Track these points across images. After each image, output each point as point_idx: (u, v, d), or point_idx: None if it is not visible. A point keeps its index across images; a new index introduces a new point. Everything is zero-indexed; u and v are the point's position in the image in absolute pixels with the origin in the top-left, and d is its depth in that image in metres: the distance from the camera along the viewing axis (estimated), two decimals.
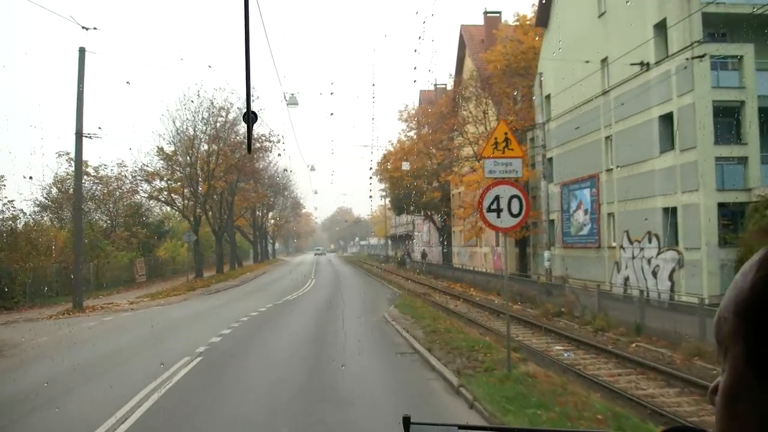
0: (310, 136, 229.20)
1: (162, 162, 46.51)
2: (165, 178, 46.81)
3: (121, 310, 28.06)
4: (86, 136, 28.30)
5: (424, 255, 67.35)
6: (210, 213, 56.44)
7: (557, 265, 33.83)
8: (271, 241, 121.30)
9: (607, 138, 28.40)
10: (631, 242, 26.08)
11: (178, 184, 47.27)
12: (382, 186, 71.58)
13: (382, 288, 38.67)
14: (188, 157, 46.24)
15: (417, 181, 60.00)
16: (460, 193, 55.51)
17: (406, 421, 1.88)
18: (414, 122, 64.39)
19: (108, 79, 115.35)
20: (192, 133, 45.77)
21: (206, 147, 47.79)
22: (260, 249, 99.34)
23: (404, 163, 48.70)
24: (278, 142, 48.20)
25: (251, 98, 3.64)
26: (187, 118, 45.49)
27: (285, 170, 75.32)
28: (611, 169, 27.91)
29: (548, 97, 34.88)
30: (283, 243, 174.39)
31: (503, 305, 27.60)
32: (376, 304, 27.80)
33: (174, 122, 45.44)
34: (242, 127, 50.02)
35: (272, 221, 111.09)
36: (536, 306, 25.49)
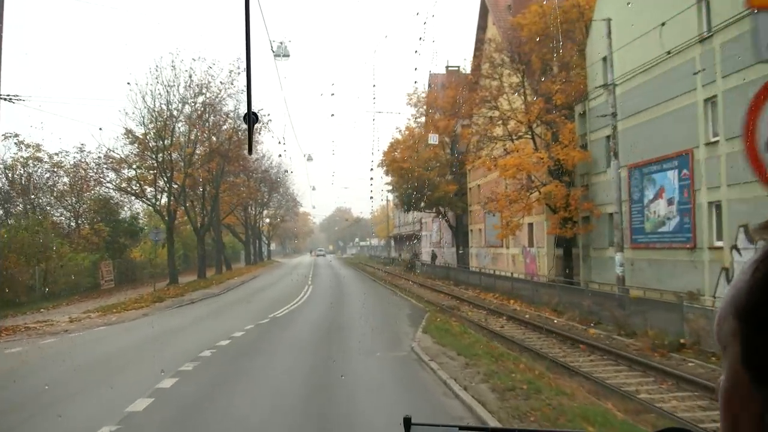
0: (310, 136, 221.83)
1: (131, 146, 39.11)
2: (134, 166, 39.40)
3: (51, 333, 20.73)
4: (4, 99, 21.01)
5: (433, 257, 60.16)
6: (192, 208, 49.09)
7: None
8: (266, 241, 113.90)
9: (707, 100, 20.99)
10: (753, 242, 18.75)
11: (151, 173, 39.85)
12: (388, 180, 64.29)
13: (396, 299, 31.24)
14: (161, 141, 38.87)
15: (429, 173, 52.73)
16: (479, 186, 48.21)
17: (407, 422, 1.88)
18: (424, 107, 57.07)
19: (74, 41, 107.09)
20: (165, 110, 38.42)
21: (183, 129, 40.49)
22: (254, 250, 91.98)
23: (431, 136, 40.76)
24: (268, 122, 40.80)
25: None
26: (159, 93, 38.14)
27: (286, 171, 68.39)
28: (714, 143, 20.53)
29: (605, 59, 27.50)
30: (280, 244, 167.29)
31: (569, 326, 20.54)
32: (396, 325, 20.47)
33: (144, 98, 38.10)
34: (229, 109, 42.81)
35: (267, 220, 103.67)
36: (624, 329, 18.15)
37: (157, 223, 67.07)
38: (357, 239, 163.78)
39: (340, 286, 41.33)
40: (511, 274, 36.40)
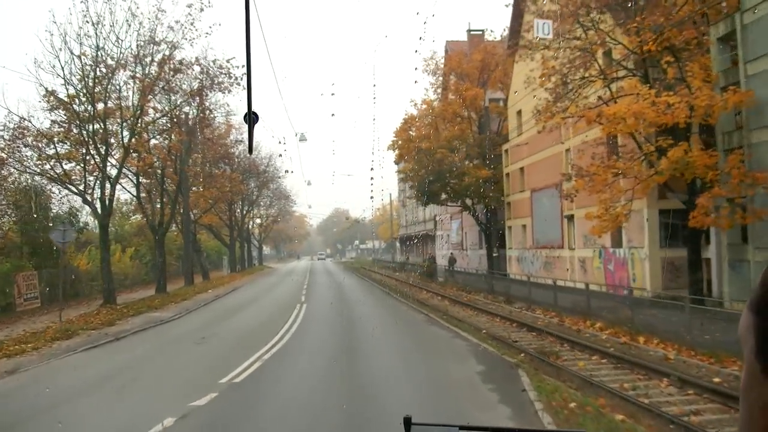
0: (309, 136, 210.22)
1: (52, 112, 27.94)
2: (55, 139, 28.20)
3: None
4: None
5: (451, 260, 49.04)
6: (151, 201, 37.95)
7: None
8: (256, 245, 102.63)
9: None
10: None
11: (81, 150, 28.68)
12: (394, 171, 53.08)
13: (440, 333, 19.85)
14: (92, 105, 27.71)
15: (454, 155, 41.69)
16: (522, 169, 37.18)
17: (407, 422, 1.87)
18: (440, 76, 46.05)
19: None
20: (95, 57, 27.23)
21: (128, 87, 29.35)
22: (245, 255, 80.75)
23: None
24: (240, 78, 29.65)
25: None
26: (88, 34, 26.96)
27: (286, 171, 58.06)
28: None
29: None
30: (273, 247, 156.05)
31: None
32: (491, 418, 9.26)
33: (65, 42, 26.91)
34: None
35: (258, 221, 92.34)
36: None
37: (121, 221, 56.38)
38: (356, 242, 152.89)
39: (345, 304, 30.16)
40: (586, 286, 25.33)
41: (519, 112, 36.96)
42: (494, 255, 40.94)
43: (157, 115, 31.78)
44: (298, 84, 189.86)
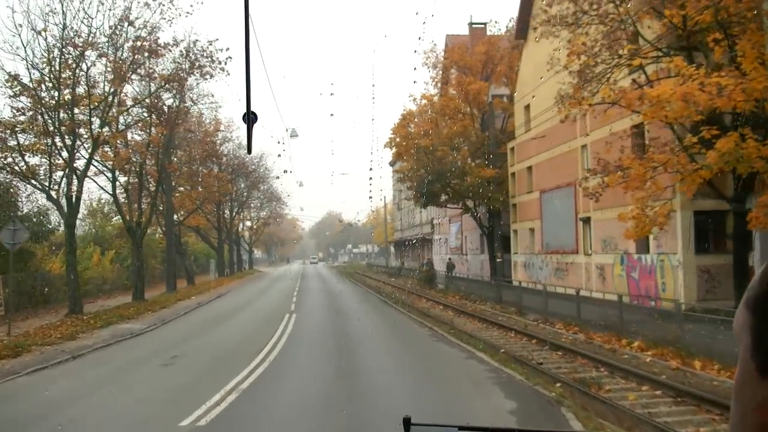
0: (304, 137, 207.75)
1: (14, 99, 25.12)
2: (18, 128, 25.34)
3: None
4: None
5: (450, 266, 46.43)
6: (132, 201, 35.13)
7: None
8: (247, 248, 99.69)
9: None
10: None
11: (45, 141, 25.86)
12: (395, 167, 50.30)
13: (455, 355, 16.92)
14: (56, 92, 24.91)
15: (455, 154, 39.04)
16: (530, 168, 34.57)
17: (407, 422, 1.93)
18: (441, 70, 43.40)
19: None
20: (61, 36, 24.41)
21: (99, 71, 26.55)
22: (234, 258, 77.87)
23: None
24: (226, 61, 26.92)
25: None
26: (54, 11, 24.16)
27: (285, 171, 55.56)
28: None
29: None
30: (265, 251, 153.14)
31: None
32: None
33: (28, 20, 24.10)
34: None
35: (248, 223, 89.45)
36: None
37: (102, 223, 53.35)
38: (349, 246, 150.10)
39: (338, 314, 27.40)
40: (619, 298, 22.63)
41: (527, 107, 34.30)
42: (498, 260, 38.20)
43: (130, 103, 28.86)
44: (295, 83, 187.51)
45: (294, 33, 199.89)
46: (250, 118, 3.76)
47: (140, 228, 32.95)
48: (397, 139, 41.40)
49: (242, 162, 59.15)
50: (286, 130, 43.39)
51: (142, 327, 22.83)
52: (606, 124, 22.24)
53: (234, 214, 73.49)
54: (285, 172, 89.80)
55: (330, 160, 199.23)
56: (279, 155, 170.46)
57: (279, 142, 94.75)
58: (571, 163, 29.21)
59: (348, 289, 45.88)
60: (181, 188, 49.56)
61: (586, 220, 27.97)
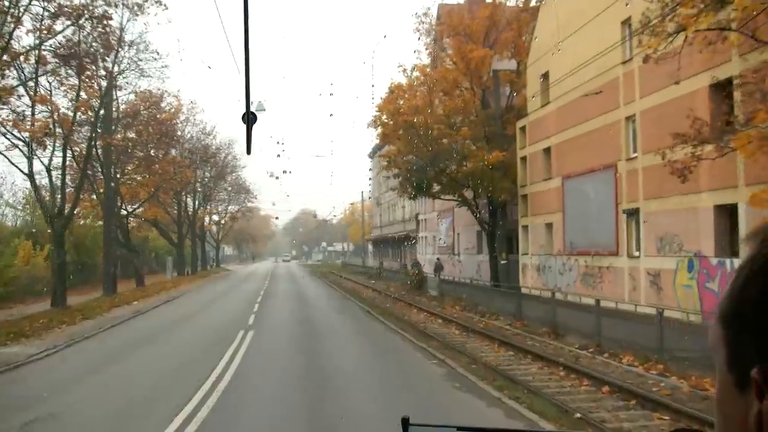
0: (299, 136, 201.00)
1: None
2: None
3: None
4: None
5: (438, 267, 40.24)
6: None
7: None
8: (214, 245, 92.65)
9: None
10: None
11: None
12: (381, 152, 43.72)
13: None
14: None
15: (454, 134, 32.78)
16: (547, 150, 28.46)
17: (405, 422, 1.85)
18: (434, 37, 36.92)
19: None
20: None
21: None
22: (199, 255, 70.97)
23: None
24: None
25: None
26: None
27: (284, 171, 48.98)
28: None
29: None
30: (236, 248, 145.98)
31: None
32: None
33: None
34: None
35: (215, 217, 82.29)
36: None
37: (36, 210, 46.27)
38: (324, 243, 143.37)
39: (310, 331, 20.78)
40: (634, 306, 16.27)
41: (545, 75, 28.13)
42: (502, 262, 31.88)
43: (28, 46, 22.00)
44: (290, 82, 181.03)
45: (292, 33, 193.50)
46: (249, 118, 3.94)
47: (62, 217, 26.15)
48: (384, 118, 35.00)
49: (205, 146, 52.45)
50: (252, 102, 36.54)
51: (30, 352, 16.14)
52: (665, 86, 16.02)
53: (198, 206, 66.69)
54: (285, 172, 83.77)
55: (306, 151, 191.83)
56: (278, 155, 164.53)
57: (279, 143, 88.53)
58: (609, 141, 23.01)
59: (322, 293, 39.35)
60: (137, 176, 42.86)
61: (633, 212, 21.71)
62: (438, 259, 43.97)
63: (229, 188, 70.68)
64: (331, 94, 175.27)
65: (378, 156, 43.36)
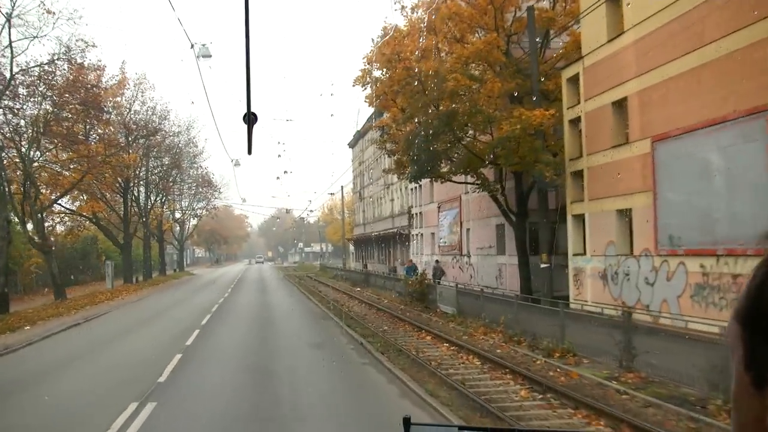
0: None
1: None
2: None
3: None
4: None
5: (437, 272, 31.21)
6: None
7: None
8: (177, 246, 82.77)
9: None
10: None
11: None
12: (378, 120, 34.28)
13: None
14: None
15: (477, 89, 23.73)
16: (621, 102, 19.44)
17: (407, 422, 1.82)
18: None
19: None
20: None
21: None
22: (149, 258, 61.18)
23: None
24: None
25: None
26: None
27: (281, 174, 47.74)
28: None
29: None
30: (206, 249, 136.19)
31: None
32: None
33: None
34: None
35: (178, 214, 72.22)
36: None
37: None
38: (300, 244, 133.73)
39: (268, 416, 11.27)
40: None
41: None
42: (544, 265, 22.76)
43: None
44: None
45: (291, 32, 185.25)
46: (250, 118, 3.71)
47: None
48: (374, 72, 25.94)
49: (148, 120, 43.07)
50: (192, 46, 28.03)
51: None
52: None
53: (154, 201, 57.04)
54: (285, 172, 76.21)
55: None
56: (279, 155, 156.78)
57: (279, 143, 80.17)
58: (749, 70, 14.11)
59: (297, 307, 29.96)
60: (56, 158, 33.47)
61: None
62: (437, 261, 34.96)
63: (190, 180, 61.08)
64: (331, 94, 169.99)
65: (374, 126, 34.00)
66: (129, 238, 48.26)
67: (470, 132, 23.79)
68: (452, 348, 16.64)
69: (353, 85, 25.76)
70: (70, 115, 31.61)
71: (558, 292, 22.72)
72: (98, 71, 37.33)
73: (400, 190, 49.60)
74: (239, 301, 33.61)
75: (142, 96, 44.75)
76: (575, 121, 22.49)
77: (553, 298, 19.74)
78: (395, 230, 49.72)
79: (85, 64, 30.48)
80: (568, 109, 22.54)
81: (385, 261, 55.62)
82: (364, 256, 65.79)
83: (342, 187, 72.94)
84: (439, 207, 38.72)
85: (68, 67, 29.83)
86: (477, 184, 26.10)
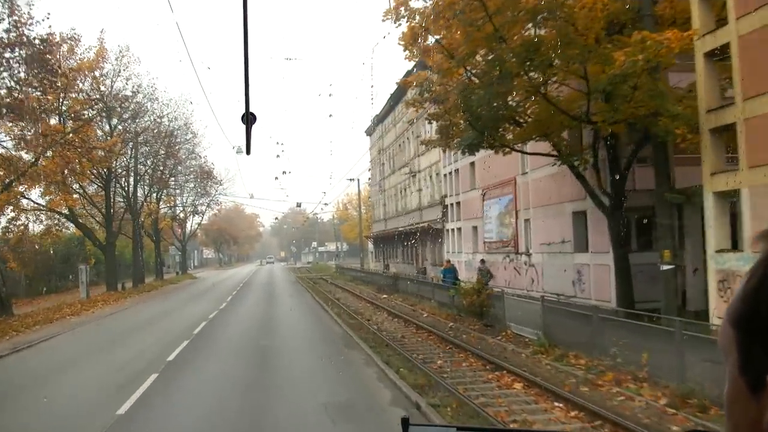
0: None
1: None
2: None
3: None
4: None
5: (484, 273, 23.92)
6: None
7: None
8: (179, 247, 75.78)
9: None
10: None
11: None
12: (405, 77, 26.86)
13: None
14: None
15: (561, 14, 16.06)
16: None
17: (405, 422, 1.82)
18: None
19: None
20: None
21: None
22: (141, 259, 54.19)
23: None
24: None
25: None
26: None
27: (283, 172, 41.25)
28: None
29: None
30: (216, 250, 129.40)
31: None
32: None
33: None
34: None
35: (178, 210, 65.27)
36: None
37: None
38: (314, 243, 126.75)
39: None
40: None
41: None
42: (667, 267, 15.51)
43: None
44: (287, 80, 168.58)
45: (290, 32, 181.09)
46: (249, 118, 3.71)
47: None
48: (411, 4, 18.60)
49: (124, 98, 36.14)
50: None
51: None
52: None
53: (146, 193, 50.11)
54: (284, 173, 70.65)
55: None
56: (278, 156, 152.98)
57: (278, 143, 74.71)
58: None
59: (310, 326, 22.67)
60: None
61: None
62: (482, 261, 27.78)
63: (187, 171, 54.03)
64: (330, 95, 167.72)
65: (402, 82, 26.52)
66: (112, 238, 41.23)
67: (555, 76, 16.52)
68: (575, 412, 9.46)
69: (383, 20, 18.49)
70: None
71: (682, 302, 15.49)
72: (72, 41, 30.94)
73: (430, 177, 42.27)
74: (239, 310, 26.57)
75: (126, 71, 37.98)
76: (714, 54, 15.17)
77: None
78: (425, 225, 42.31)
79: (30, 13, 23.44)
80: (704, 35, 15.21)
81: (411, 261, 48.31)
82: (386, 256, 58.51)
83: (357, 179, 65.89)
84: (483, 194, 31.39)
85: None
86: (555, 155, 18.81)
